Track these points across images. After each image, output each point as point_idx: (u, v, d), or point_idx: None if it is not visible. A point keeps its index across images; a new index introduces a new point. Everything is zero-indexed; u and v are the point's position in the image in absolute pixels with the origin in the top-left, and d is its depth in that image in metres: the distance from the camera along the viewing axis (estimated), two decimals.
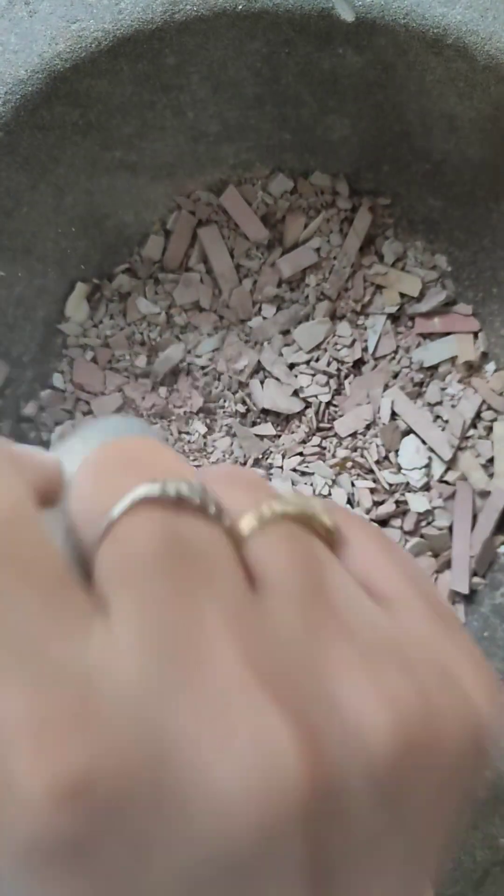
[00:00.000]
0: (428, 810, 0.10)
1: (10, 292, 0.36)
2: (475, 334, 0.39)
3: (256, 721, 0.09)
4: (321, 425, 0.38)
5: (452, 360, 0.38)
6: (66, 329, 0.38)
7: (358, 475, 0.38)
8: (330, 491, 0.37)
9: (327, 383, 0.39)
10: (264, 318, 0.38)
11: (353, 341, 0.39)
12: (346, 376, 0.39)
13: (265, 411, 0.39)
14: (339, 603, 0.11)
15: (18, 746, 0.08)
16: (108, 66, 0.29)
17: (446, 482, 0.37)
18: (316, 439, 0.38)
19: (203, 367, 0.39)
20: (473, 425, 0.38)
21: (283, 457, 0.38)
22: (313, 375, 0.39)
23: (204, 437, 0.39)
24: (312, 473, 0.38)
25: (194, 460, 0.38)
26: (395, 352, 0.39)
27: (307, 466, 0.38)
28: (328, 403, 0.39)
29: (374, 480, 0.38)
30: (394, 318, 0.39)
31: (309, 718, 0.09)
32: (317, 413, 0.38)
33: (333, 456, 0.38)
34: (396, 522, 0.37)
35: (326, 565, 0.11)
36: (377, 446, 0.38)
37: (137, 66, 0.30)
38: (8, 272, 0.35)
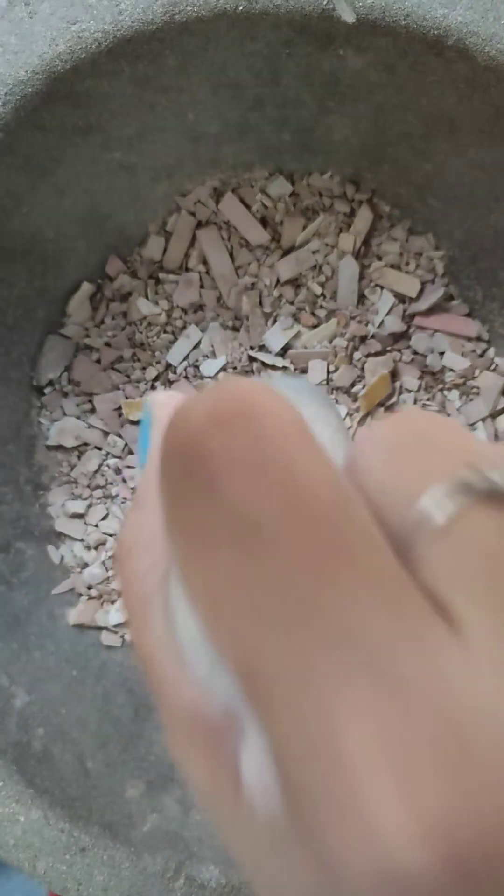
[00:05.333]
0: None
1: (10, 292, 0.36)
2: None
3: None
4: None
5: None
6: (67, 332, 0.38)
7: None
8: None
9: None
10: (264, 317, 0.38)
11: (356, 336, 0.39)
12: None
13: None
14: None
15: (376, 779, 0.07)
16: (109, 67, 0.29)
17: None
18: None
19: (202, 367, 0.39)
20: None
21: None
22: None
23: None
24: None
25: None
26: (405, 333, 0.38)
27: None
28: None
29: None
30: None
31: None
32: None
33: None
34: None
35: None
36: None
37: (138, 68, 0.30)
38: (8, 272, 0.35)
